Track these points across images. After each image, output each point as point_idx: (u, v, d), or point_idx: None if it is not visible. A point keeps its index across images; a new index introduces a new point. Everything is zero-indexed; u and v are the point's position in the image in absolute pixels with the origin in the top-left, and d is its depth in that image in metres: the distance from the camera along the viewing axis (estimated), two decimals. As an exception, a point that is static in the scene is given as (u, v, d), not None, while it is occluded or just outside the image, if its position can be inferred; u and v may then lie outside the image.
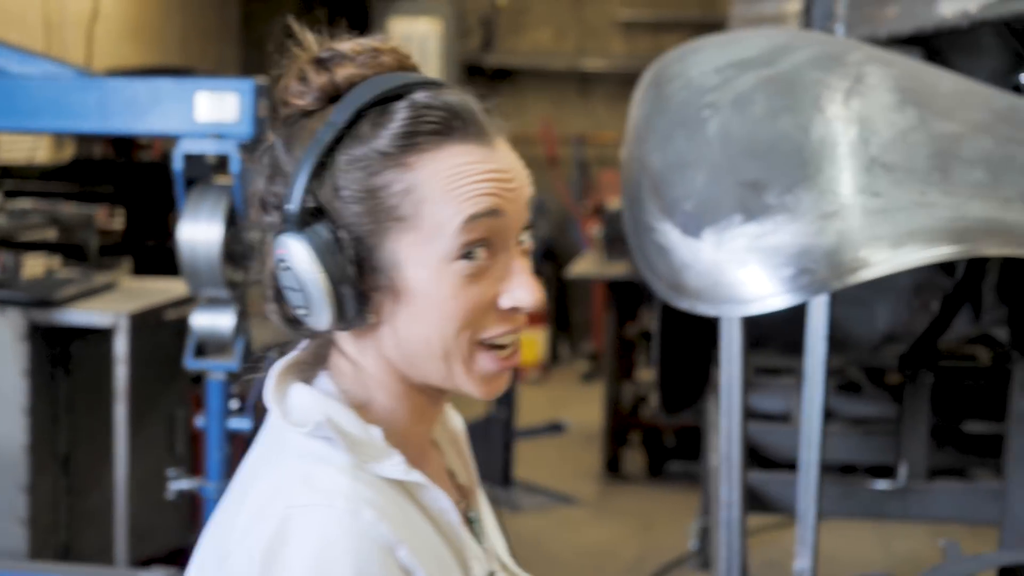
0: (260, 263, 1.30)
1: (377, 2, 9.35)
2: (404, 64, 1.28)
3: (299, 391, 1.28)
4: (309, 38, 1.29)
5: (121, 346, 3.05)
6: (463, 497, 1.44)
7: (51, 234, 3.50)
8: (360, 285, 1.23)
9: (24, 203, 3.61)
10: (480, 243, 1.23)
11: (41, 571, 2.99)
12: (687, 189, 1.85)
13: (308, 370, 1.31)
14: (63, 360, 3.24)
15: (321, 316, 1.22)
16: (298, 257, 1.21)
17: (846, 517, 3.28)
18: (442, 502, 1.27)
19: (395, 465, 1.23)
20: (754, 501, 3.19)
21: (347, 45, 1.27)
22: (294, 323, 1.28)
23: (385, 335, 1.25)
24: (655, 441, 6.63)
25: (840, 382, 4.16)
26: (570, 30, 9.60)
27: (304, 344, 1.33)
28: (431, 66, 9.26)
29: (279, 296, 1.27)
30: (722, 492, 2.04)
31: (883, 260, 1.71)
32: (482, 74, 9.81)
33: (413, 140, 1.22)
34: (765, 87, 1.90)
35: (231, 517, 1.23)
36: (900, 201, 1.75)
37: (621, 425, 6.61)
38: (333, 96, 1.25)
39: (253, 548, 1.17)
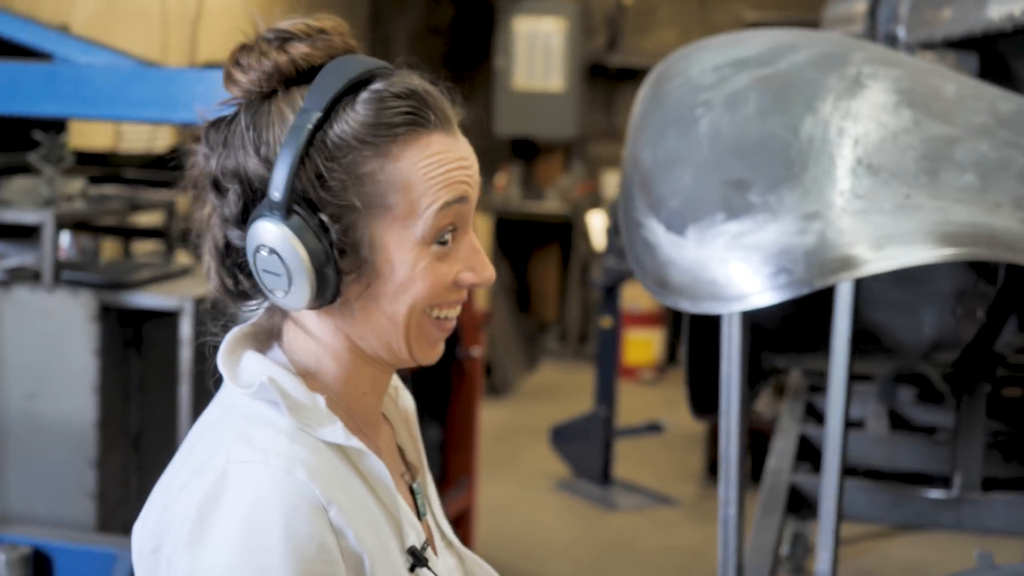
0: (207, 238, 1.34)
1: (503, 1, 9.41)
2: (350, 46, 1.33)
3: (250, 358, 1.34)
4: (257, 20, 1.33)
5: (186, 328, 3.15)
6: (410, 473, 1.50)
7: (133, 219, 3.61)
8: (338, 268, 1.28)
9: (107, 189, 3.74)
10: (450, 227, 1.32)
11: (109, 544, 3.11)
12: (674, 186, 1.87)
13: (261, 340, 1.38)
14: (136, 341, 3.35)
15: (300, 298, 1.28)
16: (285, 244, 1.26)
17: (897, 525, 3.24)
18: (379, 468, 1.33)
19: (335, 431, 1.29)
20: (811, 506, 3.17)
21: (295, 25, 1.31)
22: (242, 297, 1.36)
23: (350, 312, 1.32)
24: (760, 445, 6.58)
25: (920, 391, 4.10)
26: (696, 31, 9.55)
27: (257, 315, 1.40)
28: (555, 65, 9.30)
29: (234, 272, 1.34)
30: (720, 490, 2.05)
31: (863, 262, 1.70)
32: (606, 74, 9.82)
33: (393, 131, 1.28)
34: (759, 86, 1.90)
35: (176, 471, 1.30)
36: (884, 203, 1.74)
37: (724, 427, 6.58)
38: (289, 77, 1.29)
39: (191, 499, 1.23)
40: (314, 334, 1.35)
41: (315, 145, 1.26)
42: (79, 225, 3.74)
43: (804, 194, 1.78)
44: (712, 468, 6.56)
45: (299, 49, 1.29)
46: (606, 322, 6.33)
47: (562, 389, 8.33)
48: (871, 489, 3.09)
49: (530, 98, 9.38)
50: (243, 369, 1.34)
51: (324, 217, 1.27)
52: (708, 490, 6.43)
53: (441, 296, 1.33)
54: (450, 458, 5.32)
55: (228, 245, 1.33)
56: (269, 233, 1.26)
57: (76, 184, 3.34)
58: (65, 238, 3.38)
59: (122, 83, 2.71)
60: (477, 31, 10.01)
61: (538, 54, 9.39)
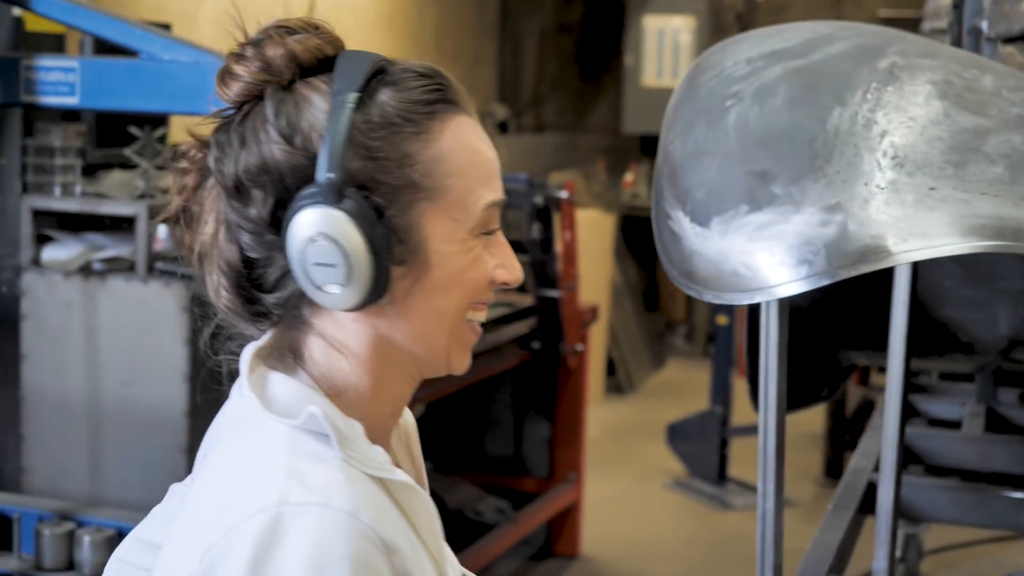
0: (214, 259, 1.24)
1: (634, -2, 9.41)
2: (342, 45, 1.28)
3: (279, 380, 1.23)
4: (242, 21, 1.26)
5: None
6: None
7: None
8: (392, 257, 1.22)
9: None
10: (494, 222, 1.29)
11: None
12: (700, 178, 1.87)
13: (280, 358, 1.27)
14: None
15: (356, 292, 1.20)
16: (342, 229, 1.18)
17: (979, 526, 3.17)
18: (429, 506, 1.25)
19: (382, 464, 1.20)
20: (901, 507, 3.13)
21: (294, 22, 1.26)
22: (258, 318, 1.26)
23: (393, 311, 1.24)
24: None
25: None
26: (828, 26, 9.40)
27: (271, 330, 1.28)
28: (684, 62, 9.27)
29: (251, 290, 1.24)
30: (759, 483, 2.05)
31: (885, 253, 1.69)
32: (737, 70, 9.73)
33: (430, 107, 1.24)
34: (790, 78, 1.89)
35: (209, 507, 1.18)
36: (908, 195, 1.73)
37: (844, 428, 6.50)
38: (306, 66, 1.23)
39: (243, 545, 1.12)
40: (344, 344, 1.25)
41: (355, 126, 1.20)
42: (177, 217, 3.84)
43: (827, 186, 1.77)
44: (830, 468, 6.49)
45: (312, 40, 1.24)
46: (722, 320, 6.30)
47: (686, 387, 8.30)
48: (953, 488, 3.04)
49: (659, 95, 9.34)
50: (276, 394, 1.22)
51: (377, 199, 1.20)
52: (826, 490, 6.34)
53: (482, 293, 1.28)
54: (557, 455, 5.34)
55: (245, 260, 1.23)
56: (322, 220, 1.18)
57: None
58: (162, 230, 3.48)
59: (204, 79, 2.79)
60: (607, 29, 10.02)
61: (667, 51, 9.37)
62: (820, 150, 1.81)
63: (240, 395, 1.25)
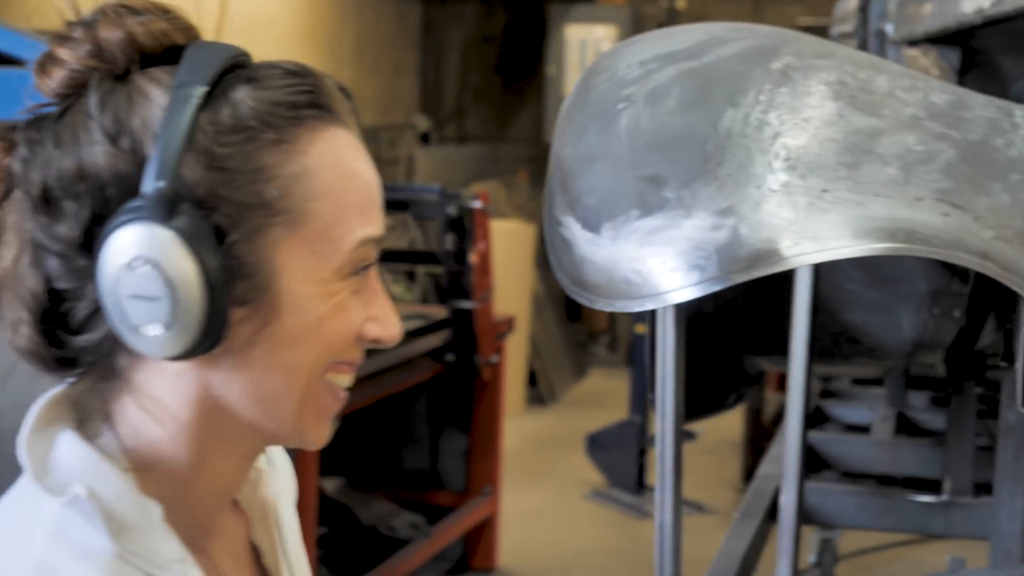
0: (15, 290, 0.99)
1: (555, 8, 9.41)
2: (196, 34, 1.04)
3: (67, 443, 1.00)
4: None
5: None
6: None
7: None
8: (233, 295, 0.97)
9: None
10: (367, 262, 1.04)
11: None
12: (591, 183, 1.84)
13: (85, 413, 1.03)
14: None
15: (183, 336, 0.94)
16: (170, 252, 0.93)
17: (888, 531, 3.17)
18: None
19: (169, 563, 0.99)
20: (809, 514, 3.12)
21: (139, 2, 1.01)
22: (64, 365, 1.02)
23: (229, 366, 0.99)
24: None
25: (938, 394, 4.04)
26: (746, 36, 9.46)
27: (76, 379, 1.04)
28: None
29: (58, 329, 0.99)
30: (656, 494, 2.02)
31: (777, 257, 1.67)
32: (656, 80, 9.77)
33: (299, 113, 1.00)
34: (683, 80, 1.87)
35: None
36: (801, 198, 1.71)
37: (762, 435, 6.51)
38: (148, 53, 0.99)
39: None
40: (162, 404, 1.01)
41: (200, 128, 0.96)
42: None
43: (719, 189, 1.74)
44: (748, 475, 6.49)
45: (158, 24, 0.99)
46: (641, 328, 6.29)
47: (608, 397, 8.28)
48: (862, 494, 3.03)
49: (579, 105, 9.36)
50: (56, 460, 0.99)
51: (220, 219, 0.96)
52: (740, 491, 6.37)
53: (347, 351, 1.03)
54: (473, 468, 5.30)
55: (51, 291, 0.98)
56: (144, 240, 0.93)
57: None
58: None
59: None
60: (529, 39, 10.01)
61: (589, 61, 9.37)
62: (712, 153, 1.79)
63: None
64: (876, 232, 1.68)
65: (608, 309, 1.83)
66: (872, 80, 1.90)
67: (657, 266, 1.74)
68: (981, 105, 1.84)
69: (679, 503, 2.01)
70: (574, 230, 1.82)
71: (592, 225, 1.80)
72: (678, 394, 2.00)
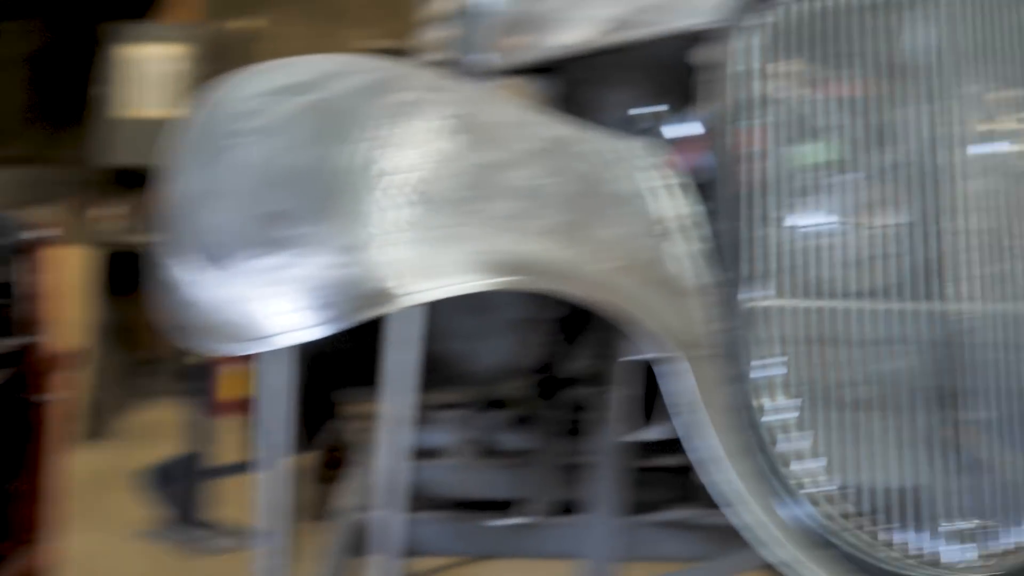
0: None
1: (110, 28, 9.14)
2: None
3: None
4: None
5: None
6: None
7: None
8: None
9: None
10: None
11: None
12: (201, 223, 1.76)
13: None
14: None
15: None
16: None
17: (464, 556, 3.20)
18: None
19: None
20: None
21: None
22: None
23: None
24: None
25: (519, 415, 4.12)
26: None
27: None
28: (163, 92, 9.06)
29: None
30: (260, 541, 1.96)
31: (399, 294, 1.65)
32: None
33: None
34: (303, 115, 1.82)
35: None
36: (432, 233, 1.70)
37: (331, 462, 6.51)
38: None
39: None
40: None
41: None
42: None
43: (345, 225, 1.71)
44: (319, 506, 6.47)
45: None
46: (192, 358, 6.14)
47: (170, 428, 8.04)
48: (435, 520, 3.03)
49: (138, 127, 9.09)
50: None
51: None
52: (313, 524, 6.32)
53: None
54: (22, 515, 5.00)
55: None
56: None
57: None
58: None
59: None
60: (79, 58, 9.65)
61: (147, 81, 9.15)
62: (337, 189, 1.75)
63: None
64: (494, 267, 1.70)
65: (214, 353, 1.77)
66: (495, 113, 1.92)
67: (273, 307, 1.70)
68: (593, 139, 1.90)
69: (286, 553, 1.96)
70: (179, 273, 1.75)
71: (199, 267, 1.73)
72: (288, 435, 1.95)
